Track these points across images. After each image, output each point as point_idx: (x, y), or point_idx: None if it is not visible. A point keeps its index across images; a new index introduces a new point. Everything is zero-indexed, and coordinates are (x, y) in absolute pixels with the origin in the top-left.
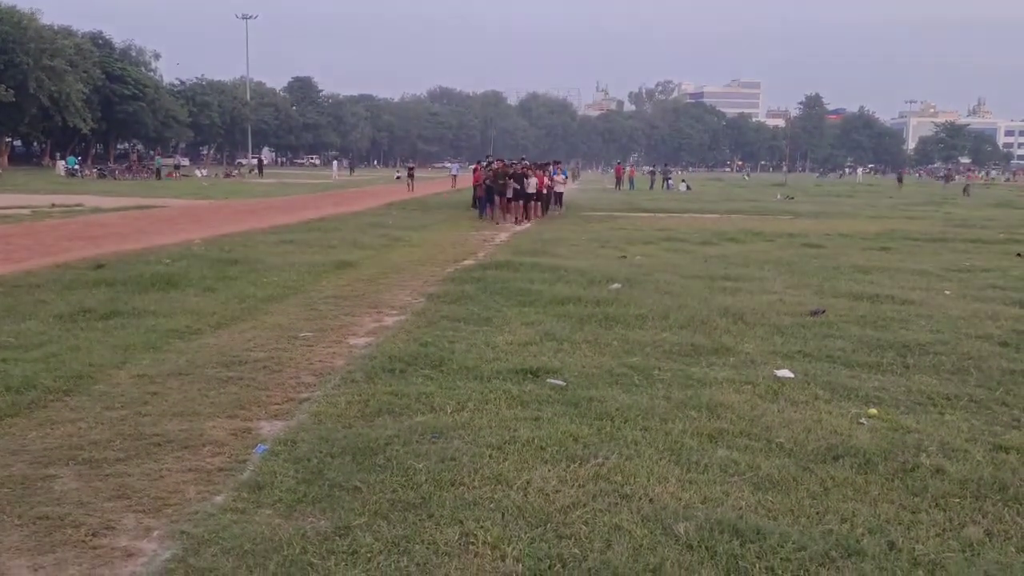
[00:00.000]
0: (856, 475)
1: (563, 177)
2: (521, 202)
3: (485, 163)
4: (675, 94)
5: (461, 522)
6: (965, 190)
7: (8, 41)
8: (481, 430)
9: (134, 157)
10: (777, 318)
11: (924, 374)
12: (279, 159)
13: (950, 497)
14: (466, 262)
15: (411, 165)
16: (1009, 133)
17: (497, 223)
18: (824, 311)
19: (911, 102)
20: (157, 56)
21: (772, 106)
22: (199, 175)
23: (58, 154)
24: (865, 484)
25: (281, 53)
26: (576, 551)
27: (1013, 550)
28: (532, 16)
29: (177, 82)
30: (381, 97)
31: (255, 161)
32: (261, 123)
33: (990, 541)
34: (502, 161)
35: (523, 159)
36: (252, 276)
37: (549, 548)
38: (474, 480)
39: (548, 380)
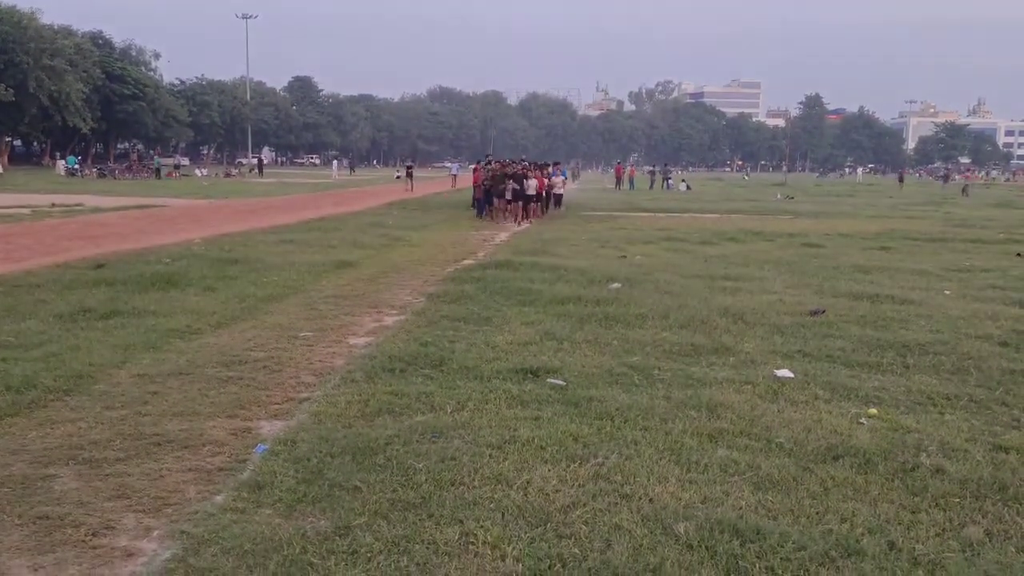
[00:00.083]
0: (856, 475)
1: (562, 179)
2: (520, 203)
3: (484, 163)
4: (675, 94)
5: (461, 522)
6: (964, 191)
7: (8, 41)
8: (481, 430)
9: (134, 157)
10: (777, 318)
11: (924, 374)
12: (279, 159)
13: (950, 497)
14: (466, 262)
15: (409, 164)
16: (1009, 133)
17: (496, 222)
18: (824, 311)
19: (911, 102)
20: (157, 56)
21: (772, 106)
22: (199, 175)
23: (58, 154)
24: (865, 484)
25: (281, 53)
26: (576, 551)
27: (1013, 550)
28: (532, 16)
29: (177, 82)
30: (381, 97)
31: (255, 161)
32: (261, 123)
33: (990, 541)
34: (500, 162)
35: (523, 159)
36: (252, 276)
37: (549, 548)
38: (474, 480)
39: (548, 380)
